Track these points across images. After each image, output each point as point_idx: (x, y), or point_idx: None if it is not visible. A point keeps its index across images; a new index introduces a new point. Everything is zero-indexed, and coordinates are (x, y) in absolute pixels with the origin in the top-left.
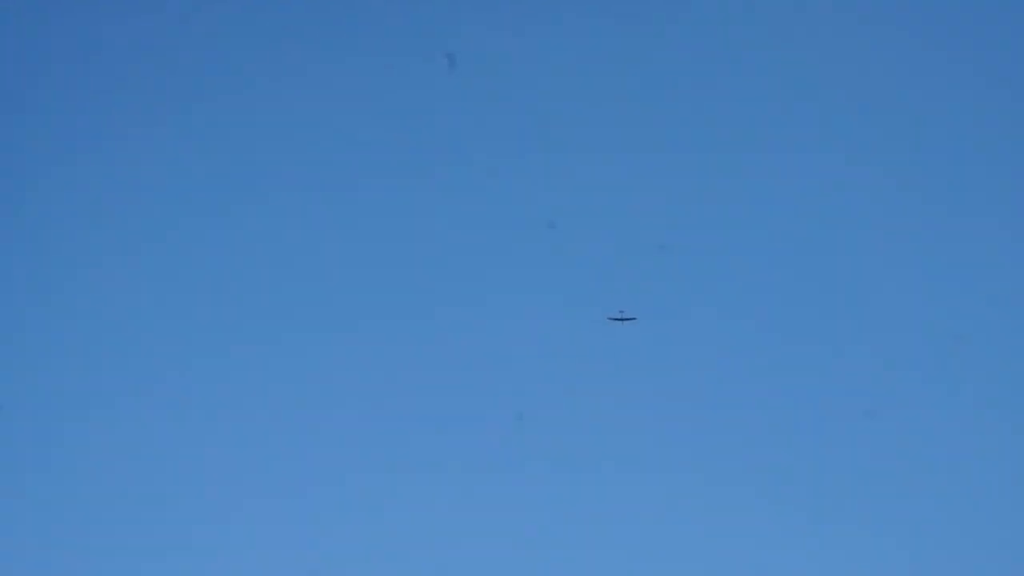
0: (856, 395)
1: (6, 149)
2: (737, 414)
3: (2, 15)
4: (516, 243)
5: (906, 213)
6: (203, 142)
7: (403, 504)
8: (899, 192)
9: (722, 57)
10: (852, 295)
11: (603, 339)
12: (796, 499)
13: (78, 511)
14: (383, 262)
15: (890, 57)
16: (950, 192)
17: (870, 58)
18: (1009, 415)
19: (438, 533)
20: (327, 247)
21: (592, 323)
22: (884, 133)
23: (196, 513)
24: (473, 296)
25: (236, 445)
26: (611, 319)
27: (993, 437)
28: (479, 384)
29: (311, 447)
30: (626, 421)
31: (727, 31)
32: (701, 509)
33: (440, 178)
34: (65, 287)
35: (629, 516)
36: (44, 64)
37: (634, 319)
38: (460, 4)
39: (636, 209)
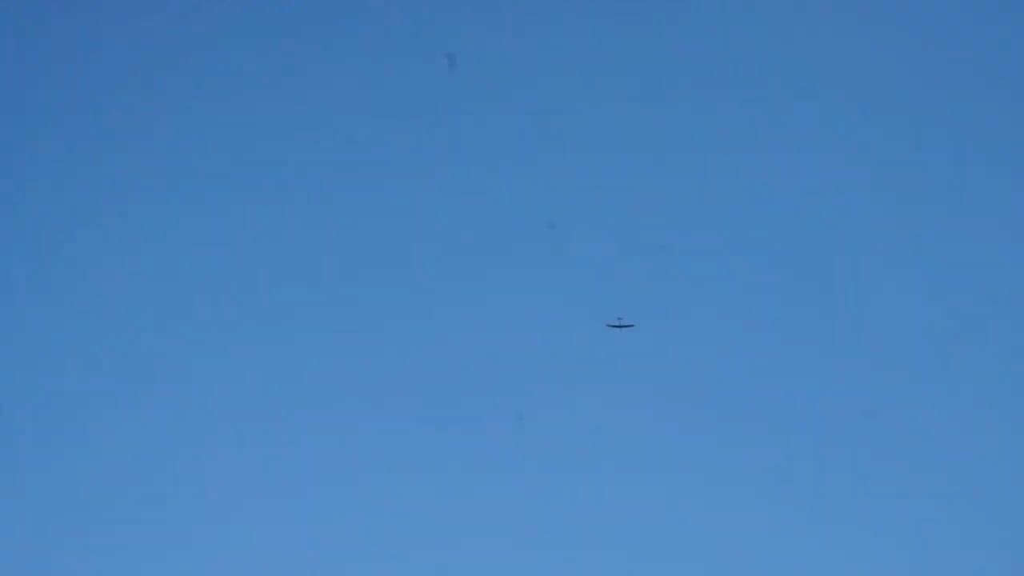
0: (856, 395)
1: (6, 149)
2: (737, 414)
3: (2, 15)
4: (516, 243)
5: (906, 213)
6: (203, 142)
7: (403, 504)
8: (899, 192)
9: (722, 57)
10: (852, 295)
11: (603, 338)
12: (796, 499)
13: (78, 511)
14: (383, 262)
15: (890, 57)
16: (950, 192)
17: (870, 58)
18: (1009, 415)
19: (438, 533)
20: (327, 247)
21: (592, 323)
22: (884, 133)
23: (196, 513)
24: (473, 296)
25: (236, 445)
26: (609, 326)
27: (993, 437)
28: (479, 384)
29: (311, 447)
30: (626, 420)
31: (727, 31)
32: (701, 509)
33: (440, 178)
34: (65, 287)
35: (629, 516)
36: (44, 64)
37: (632, 326)
38: (460, 4)
39: (636, 209)
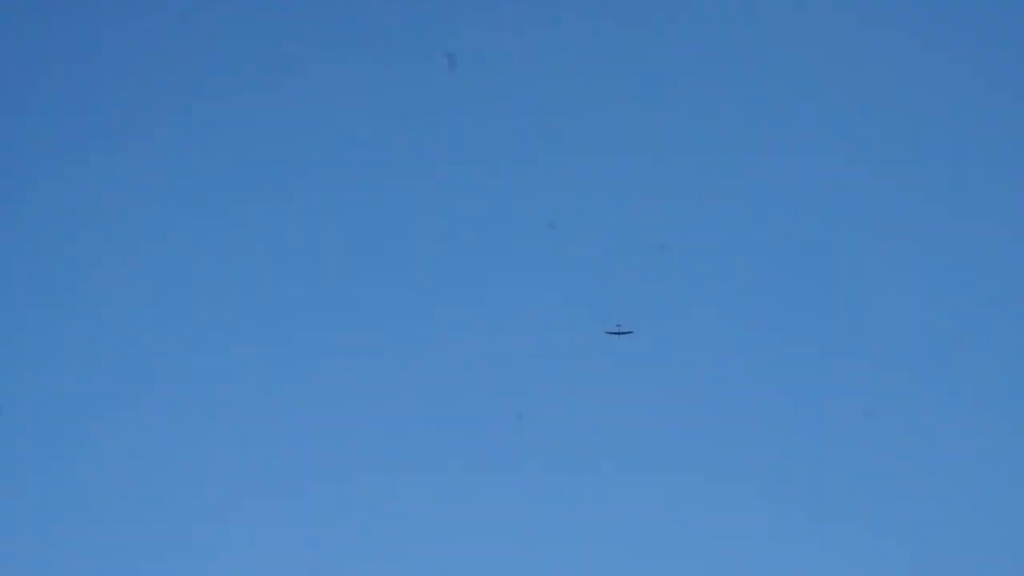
0: (856, 395)
1: (6, 149)
2: (737, 414)
3: (2, 15)
4: (516, 243)
5: (906, 213)
6: (203, 142)
7: (403, 504)
8: (899, 192)
9: (722, 57)
10: (852, 295)
11: (603, 339)
12: (796, 499)
13: (78, 511)
14: (383, 262)
15: (890, 57)
16: (949, 192)
17: (870, 58)
18: (1009, 415)
19: (438, 533)
20: (327, 247)
21: (592, 323)
22: (884, 133)
23: (196, 513)
24: (473, 296)
25: (236, 445)
26: (608, 333)
27: (993, 437)
28: (479, 384)
29: (312, 447)
30: (626, 421)
31: (727, 31)
32: (701, 509)
33: (440, 178)
34: (65, 287)
35: (629, 516)
36: (44, 64)
37: (631, 332)
38: (460, 4)
39: (636, 209)
